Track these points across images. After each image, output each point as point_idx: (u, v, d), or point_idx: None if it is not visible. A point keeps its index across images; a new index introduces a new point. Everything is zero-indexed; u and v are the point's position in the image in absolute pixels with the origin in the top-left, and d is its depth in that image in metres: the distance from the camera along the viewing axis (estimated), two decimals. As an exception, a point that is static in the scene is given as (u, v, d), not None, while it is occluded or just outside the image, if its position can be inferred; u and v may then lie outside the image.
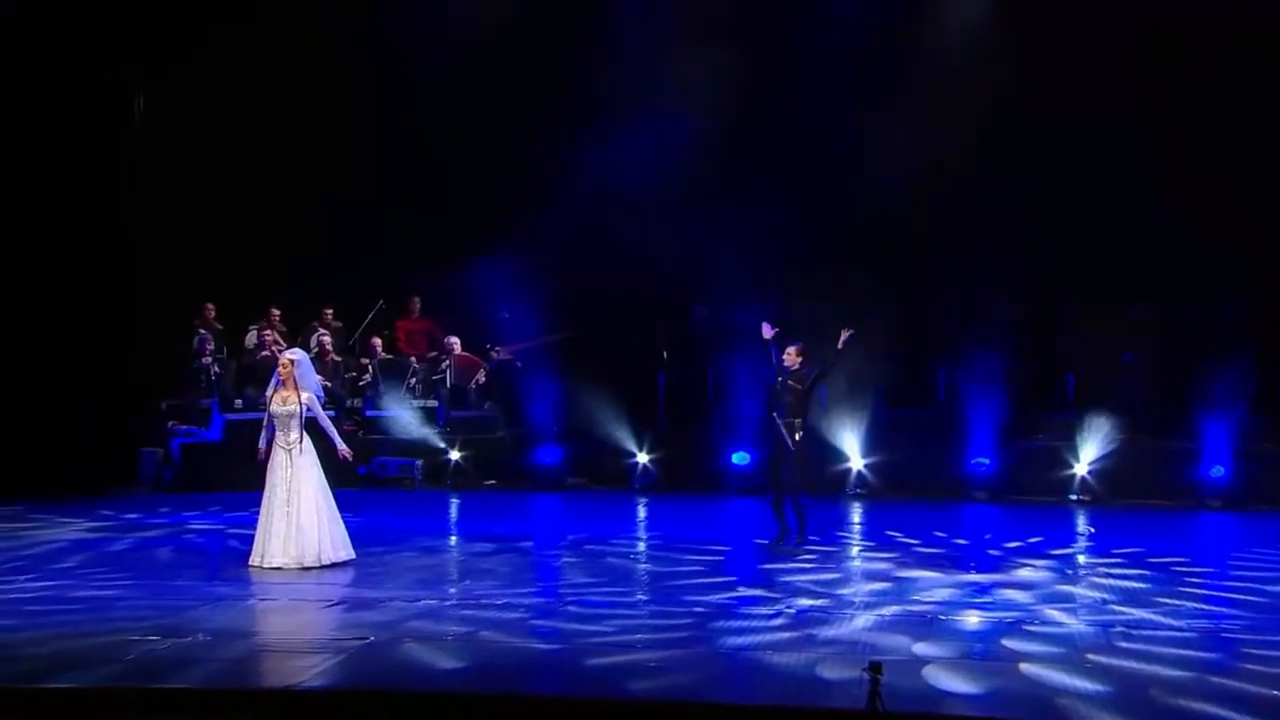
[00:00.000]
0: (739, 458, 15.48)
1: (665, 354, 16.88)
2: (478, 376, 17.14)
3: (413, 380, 17.20)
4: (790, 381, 10.93)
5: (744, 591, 9.45)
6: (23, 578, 9.77)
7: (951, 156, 15.15)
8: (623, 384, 16.06)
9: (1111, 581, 9.87)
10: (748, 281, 15.59)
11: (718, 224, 15.86)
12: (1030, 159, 15.37)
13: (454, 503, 15.04)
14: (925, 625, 8.38)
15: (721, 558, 11.04)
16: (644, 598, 9.26)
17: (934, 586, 9.62)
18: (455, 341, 17.25)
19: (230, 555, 10.95)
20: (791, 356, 11.01)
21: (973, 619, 8.62)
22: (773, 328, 11.16)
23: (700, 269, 15.88)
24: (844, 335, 10.88)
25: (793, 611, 8.74)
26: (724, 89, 15.70)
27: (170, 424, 16.11)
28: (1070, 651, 7.77)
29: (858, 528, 13.21)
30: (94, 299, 15.29)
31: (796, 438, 10.85)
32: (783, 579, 9.88)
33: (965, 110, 15.05)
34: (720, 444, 15.69)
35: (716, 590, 9.45)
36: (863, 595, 9.33)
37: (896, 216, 15.56)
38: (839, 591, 9.44)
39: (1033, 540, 11.76)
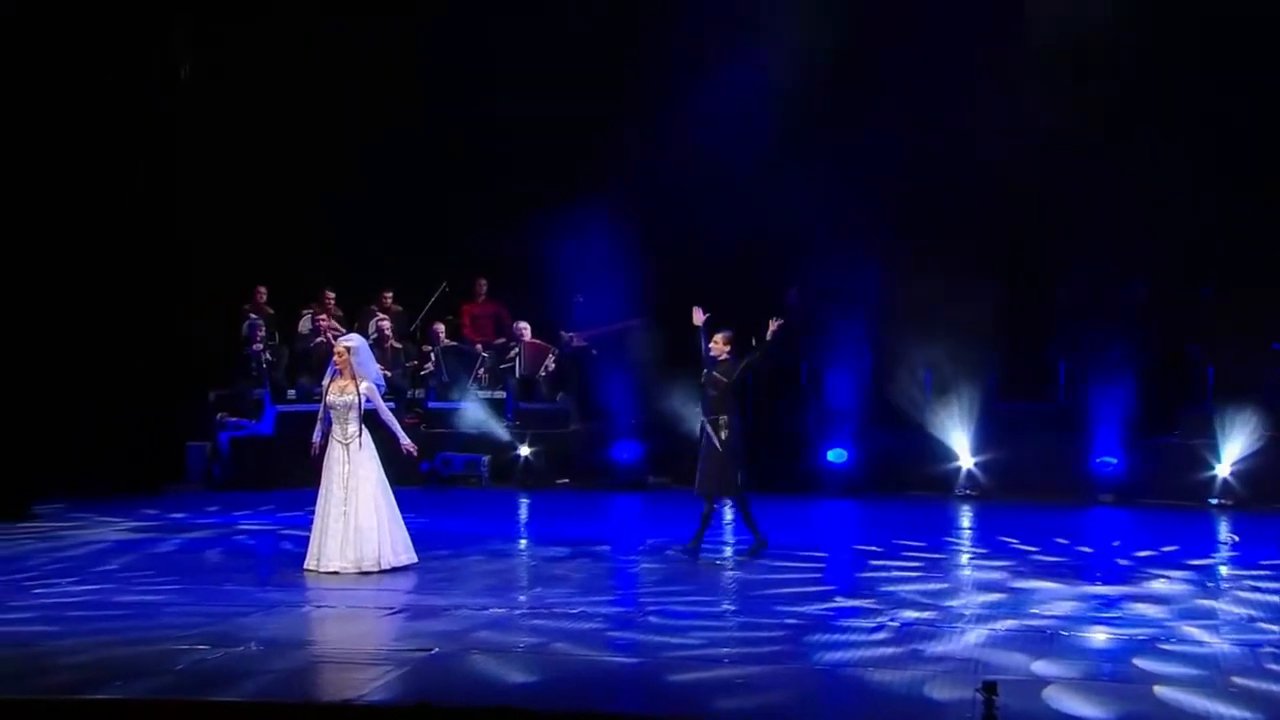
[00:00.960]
0: (836, 455, 15.41)
1: (754, 341, 16.77)
2: (547, 363, 17.21)
3: (479, 370, 17.32)
4: (715, 374, 10.60)
5: (842, 602, 9.39)
6: (64, 581, 9.98)
7: (1077, 123, 14.91)
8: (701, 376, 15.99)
9: (1258, 596, 9.65)
10: (846, 262, 15.49)
11: (814, 200, 15.78)
12: (1167, 124, 15.07)
13: (524, 503, 15.10)
14: (1045, 641, 8.26)
15: (817, 565, 11.00)
16: (731, 608, 9.23)
17: (1055, 599, 9.48)
18: (525, 327, 17.34)
19: (283, 558, 11.08)
20: (719, 346, 10.69)
21: (1099, 635, 8.48)
22: (704, 313, 10.87)
23: (795, 248, 15.80)
24: (772, 324, 10.53)
25: (897, 625, 8.66)
26: (826, 57, 15.61)
27: (219, 416, 16.37)
28: (1212, 674, 7.61)
29: (968, 533, 13.08)
30: (136, 281, 15.52)
31: (723, 436, 10.53)
32: (885, 589, 9.81)
33: (1099, 72, 14.80)
34: (815, 440, 15.64)
35: (811, 600, 9.39)
36: (974, 607, 9.22)
37: (1013, 191, 15.36)
38: (948, 603, 9.34)
39: (1167, 549, 11.55)
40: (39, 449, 14.04)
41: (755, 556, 10.75)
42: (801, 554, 11.33)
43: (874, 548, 11.70)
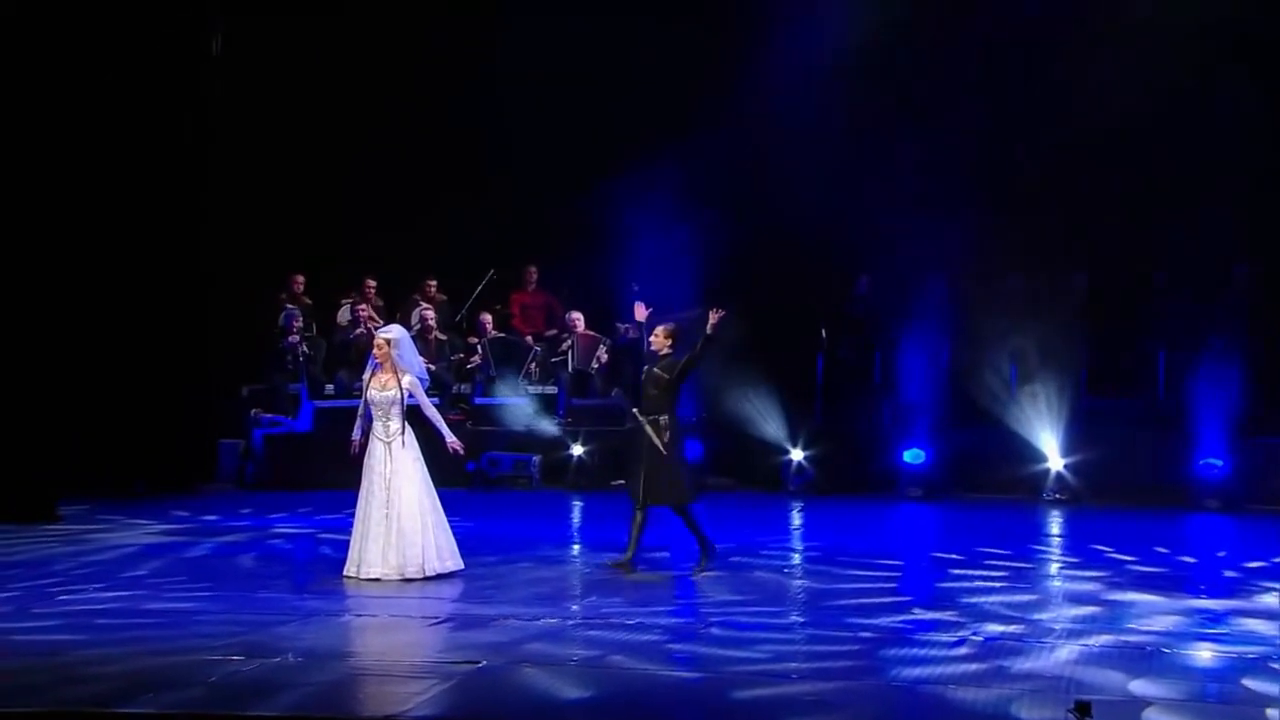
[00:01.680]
0: (913, 455, 15.33)
1: (824, 332, 16.77)
2: (599, 354, 17.22)
3: (529, 363, 17.36)
4: (656, 370, 10.38)
5: (920, 614, 9.32)
6: (91, 588, 10.07)
7: (1172, 96, 14.73)
8: (774, 368, 16.00)
9: (1378, 610, 9.48)
10: (922, 247, 15.40)
11: (888, 181, 15.70)
12: (1272, 92, 14.84)
13: (577, 505, 15.12)
14: (1144, 659, 8.15)
15: (892, 573, 10.94)
16: (800, 619, 9.19)
17: (1154, 613, 9.36)
18: (578, 318, 17.36)
19: (322, 564, 11.14)
20: (659, 340, 10.45)
21: (1204, 653, 8.36)
22: (647, 307, 10.71)
23: (867, 233, 15.72)
24: (713, 316, 10.26)
25: (980, 639, 8.58)
26: (907, 30, 15.53)
27: (253, 412, 16.50)
28: (1327, 695, 7.47)
29: (1057, 540, 12.96)
30: (165, 270, 15.65)
31: (665, 438, 10.31)
32: (966, 600, 9.73)
33: (1201, 34, 14.61)
34: (890, 439, 15.59)
35: (887, 612, 9.34)
36: (1065, 621, 9.13)
37: (1105, 169, 15.19)
38: (1036, 616, 9.25)
39: (1278, 560, 11.36)
40: (63, 446, 14.18)
41: (707, 568, 10.50)
42: (875, 562, 11.27)
43: (954, 555, 11.62)
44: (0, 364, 13.85)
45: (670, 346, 10.43)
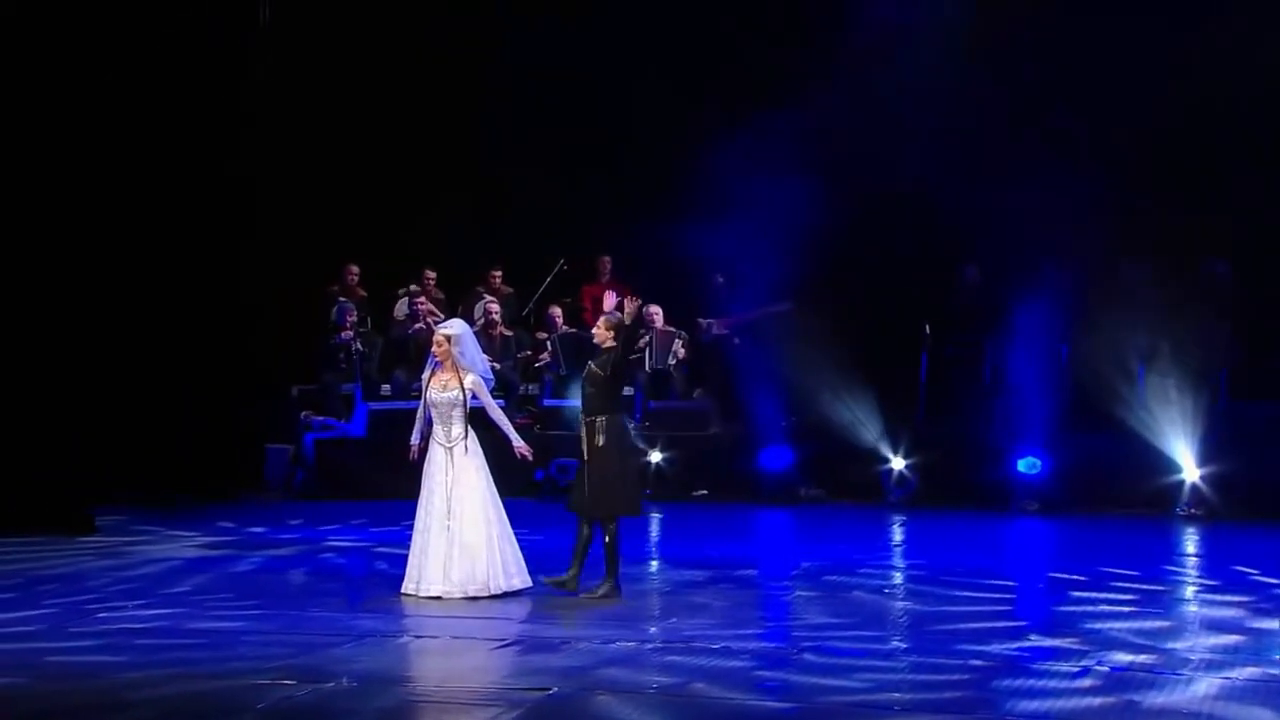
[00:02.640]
0: (1027, 464, 15.22)
1: (928, 327, 16.65)
2: (675, 349, 17.17)
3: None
4: (594, 366, 10.27)
5: (1038, 640, 9.22)
6: (131, 604, 10.18)
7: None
8: (873, 367, 15.91)
9: None
10: (1038, 231, 15.25)
11: (998, 157, 15.57)
12: None
13: (655, 517, 15.08)
14: (1292, 694, 8.00)
15: (1006, 595, 10.85)
16: (903, 645, 9.12)
17: (1303, 642, 9.20)
18: (657, 313, 17.33)
19: (378, 580, 11.19)
20: (600, 332, 10.32)
21: (1361, 687, 8.18)
22: (619, 296, 10.55)
23: (975, 217, 15.58)
24: (629, 304, 10.09)
25: (1106, 669, 8.47)
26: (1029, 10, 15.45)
27: (303, 415, 16.63)
28: None
29: (1192, 560, 12.82)
30: (206, 261, 15.79)
31: (599, 441, 10.14)
32: (1090, 625, 9.62)
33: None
34: (1002, 446, 15.47)
35: (1000, 638, 9.25)
36: (1203, 651, 8.99)
37: (1250, 141, 14.96)
38: (1170, 645, 9.12)
39: None
40: (99, 452, 14.36)
41: (607, 598, 10.24)
42: (987, 582, 11.16)
43: (1075, 576, 11.47)
44: (33, 366, 13.99)
45: (614, 340, 10.28)
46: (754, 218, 15.51)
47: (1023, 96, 15.83)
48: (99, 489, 14.17)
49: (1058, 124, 15.51)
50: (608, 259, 18.00)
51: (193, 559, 12.15)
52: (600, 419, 10.21)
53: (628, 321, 10.25)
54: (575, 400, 16.51)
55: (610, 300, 10.64)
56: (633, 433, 10.48)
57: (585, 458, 10.26)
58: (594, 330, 10.51)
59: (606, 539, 10.31)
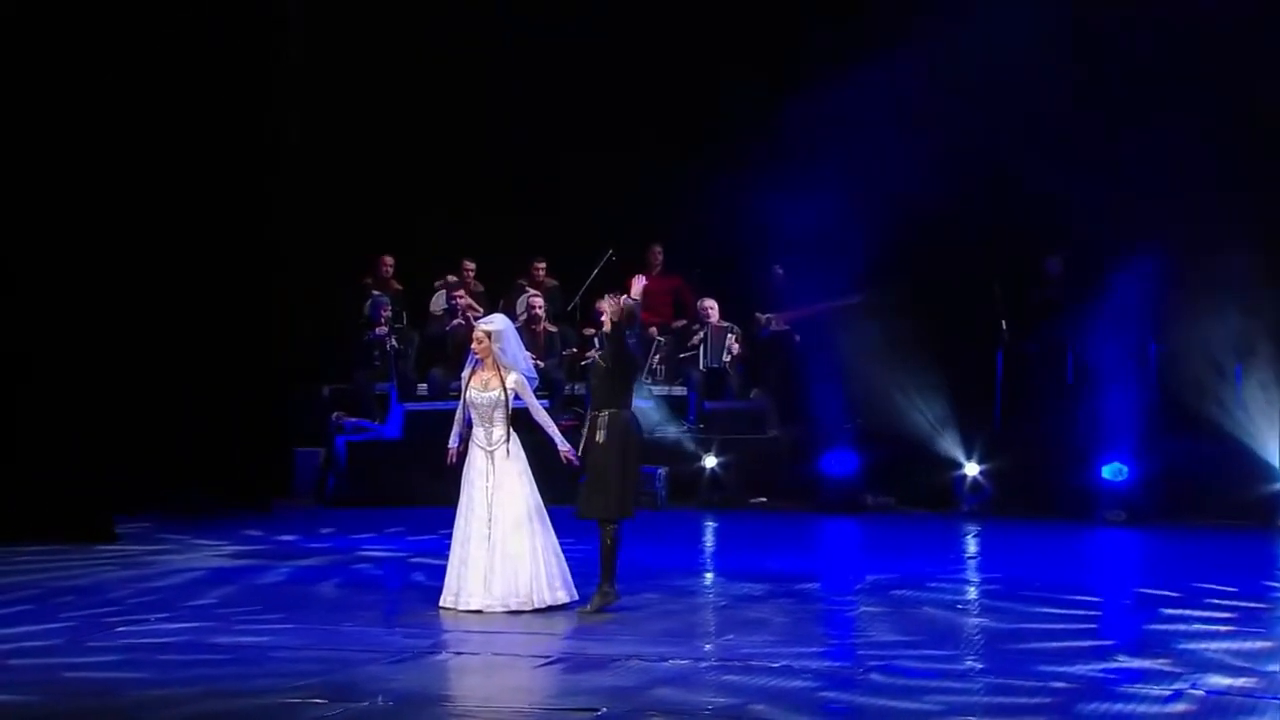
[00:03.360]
0: (1113, 471, 15.16)
1: (1005, 323, 16.57)
2: (729, 345, 17.15)
3: (654, 359, 17.36)
4: (598, 357, 10.27)
5: (1125, 661, 9.16)
6: (154, 617, 10.23)
7: None
8: (946, 365, 15.87)
9: None
10: (1125, 219, 15.14)
11: (1083, 138, 15.47)
12: None
13: (710, 526, 15.10)
14: (1407, 721, 7.92)
15: (1090, 611, 10.79)
16: (978, 665, 9.08)
17: None
18: (712, 306, 17.33)
19: (415, 593, 11.23)
20: (604, 317, 10.25)
21: None
22: (644, 280, 10.53)
23: (1058, 203, 15.51)
24: (615, 300, 10.03)
25: (1200, 693, 8.40)
26: None
27: (334, 416, 16.71)
28: None
29: (1296, 574, 12.76)
30: (235, 250, 15.78)
31: (599, 438, 10.09)
32: (1182, 645, 9.55)
33: None
34: (1085, 451, 15.41)
35: (1084, 658, 9.19)
36: (1307, 673, 8.91)
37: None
38: (1271, 668, 9.04)
39: None
40: (121, 456, 14.46)
41: (603, 608, 10.23)
42: (1069, 597, 11.10)
43: (1166, 591, 11.41)
44: (50, 367, 14.09)
45: (619, 327, 10.20)
46: (817, 205, 15.46)
47: (1119, 80, 15.72)
48: (120, 495, 14.23)
49: (1156, 107, 15.37)
50: (659, 249, 17.99)
51: (218, 569, 12.21)
52: (604, 414, 10.19)
53: (615, 320, 10.09)
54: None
55: (637, 286, 10.50)
56: (641, 432, 10.39)
57: (582, 454, 10.26)
58: (602, 318, 10.44)
59: (607, 541, 10.30)
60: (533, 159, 17.86)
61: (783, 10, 17.03)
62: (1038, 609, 10.67)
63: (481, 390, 10.48)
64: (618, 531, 10.34)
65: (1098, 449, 15.32)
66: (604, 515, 10.29)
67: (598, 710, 7.94)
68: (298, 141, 16.72)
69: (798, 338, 17.14)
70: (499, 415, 10.43)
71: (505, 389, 10.43)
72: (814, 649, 9.43)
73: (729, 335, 17.26)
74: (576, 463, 10.62)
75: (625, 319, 10.22)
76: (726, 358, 17.22)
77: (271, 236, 16.24)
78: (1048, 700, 8.23)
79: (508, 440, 10.44)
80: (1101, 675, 8.79)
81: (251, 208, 16.00)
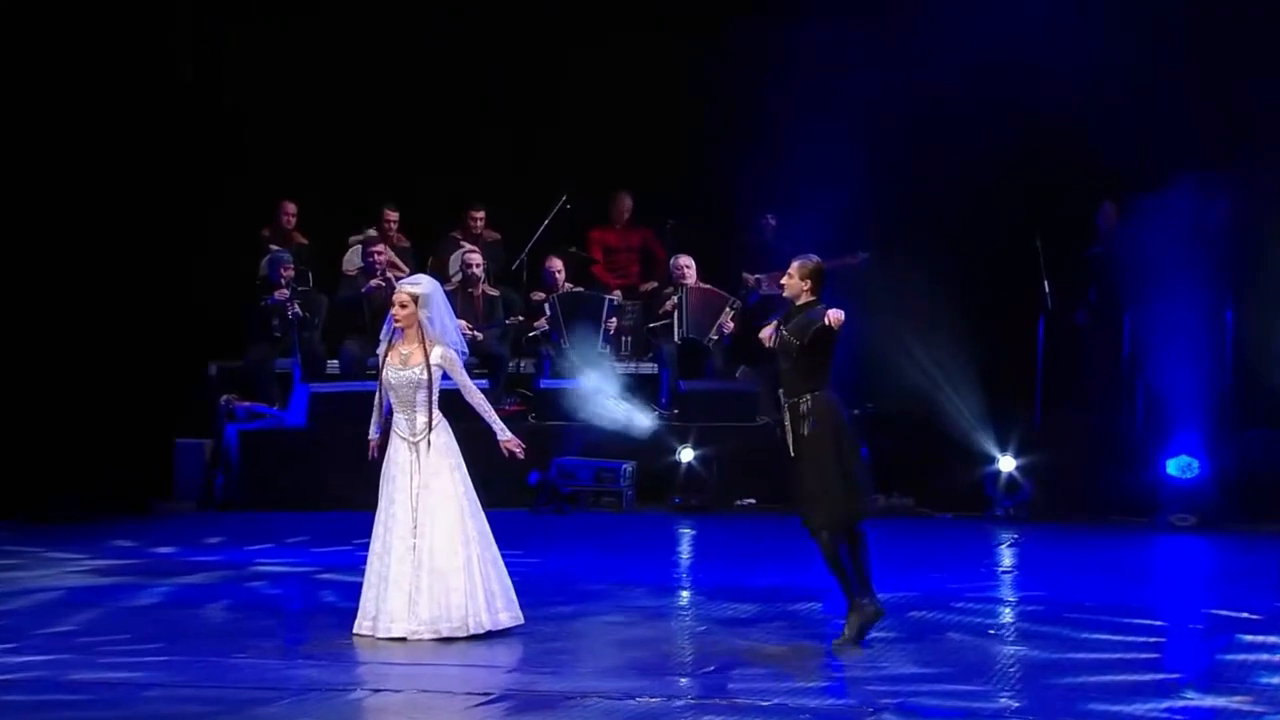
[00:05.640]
0: (1179, 467, 15.24)
1: (1047, 287, 16.58)
2: (722, 322, 17.17)
3: (610, 324, 17.28)
4: (785, 332, 10.19)
5: (1195, 699, 9.18)
6: (-2, 647, 10.24)
7: None
8: (977, 338, 15.93)
9: None
10: (1194, 156, 15.19)
11: (1142, 59, 15.49)
12: None
13: (686, 534, 15.13)
14: None
15: (1151, 636, 10.82)
16: (1014, 703, 9.09)
17: None
18: (689, 266, 17.32)
19: (323, 617, 11.21)
20: (793, 281, 10.18)
21: None
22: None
23: (1112, 136, 15.53)
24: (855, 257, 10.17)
25: (1286, 739, 8.45)
26: None
27: (224, 400, 16.65)
28: None
29: None
30: (91, 199, 15.75)
31: (805, 432, 10.11)
32: (1265, 679, 9.58)
33: None
34: (1146, 442, 15.55)
35: (1144, 694, 9.21)
36: None
37: None
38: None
39: None
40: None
41: (855, 637, 10.26)
42: (1125, 620, 11.14)
43: (1244, 613, 11.47)
44: None
45: (810, 292, 10.17)
46: (817, 139, 15.46)
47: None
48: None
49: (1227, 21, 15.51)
50: (627, 196, 17.97)
51: (80, 589, 12.13)
52: (805, 401, 10.09)
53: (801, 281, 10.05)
54: (581, 381, 16.79)
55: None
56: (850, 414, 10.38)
57: (791, 452, 10.20)
58: (784, 280, 10.34)
59: (827, 552, 10.21)
60: (469, 80, 17.78)
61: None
62: (1087, 634, 10.69)
63: (400, 368, 10.43)
64: (865, 539, 10.23)
65: (1161, 440, 15.42)
66: (832, 522, 10.16)
67: (547, 760, 7.96)
68: (190, 78, 16.72)
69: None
70: (421, 398, 10.40)
71: (429, 366, 10.39)
72: (814, 684, 9.42)
73: (726, 309, 17.22)
74: (521, 456, 10.61)
75: (815, 279, 10.13)
76: (714, 335, 17.19)
77: (139, 179, 16.17)
78: (1100, 745, 8.30)
79: (433, 429, 10.39)
80: (1165, 716, 8.81)
81: (119, 149, 15.98)
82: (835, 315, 9.86)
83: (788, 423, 10.19)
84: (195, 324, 16.78)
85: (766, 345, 10.37)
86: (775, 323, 10.31)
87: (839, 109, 15.54)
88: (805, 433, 10.12)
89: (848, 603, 10.33)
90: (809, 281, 10.13)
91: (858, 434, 10.54)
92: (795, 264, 10.23)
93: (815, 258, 10.22)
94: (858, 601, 10.27)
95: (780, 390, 10.31)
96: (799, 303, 10.17)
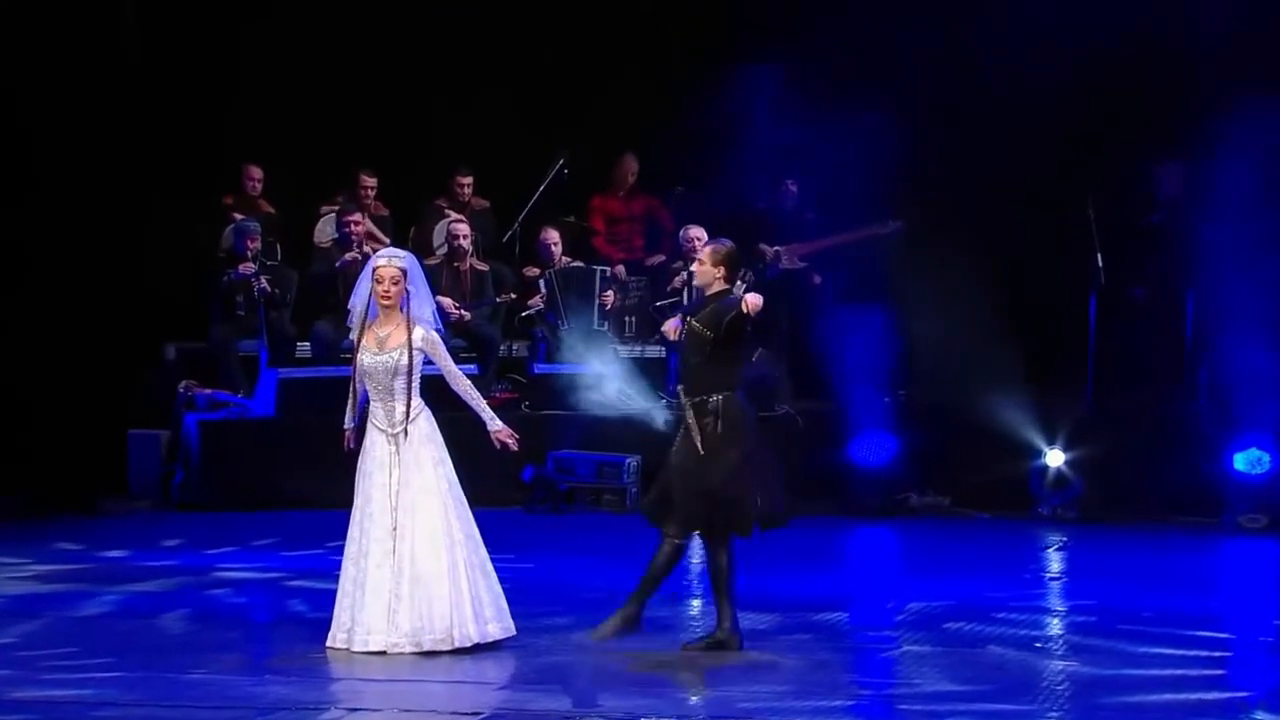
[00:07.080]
0: (1248, 461, 15.28)
1: (1101, 258, 16.58)
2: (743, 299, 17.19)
3: (605, 299, 17.29)
4: (695, 322, 10.39)
5: (1265, 719, 9.18)
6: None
7: None
8: (1020, 318, 15.91)
9: None
10: (1269, 110, 15.19)
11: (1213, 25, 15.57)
12: None
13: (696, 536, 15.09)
14: None
15: (1217, 650, 10.83)
16: (1064, 723, 9.13)
17: None
18: (699, 237, 17.27)
19: (292, 628, 11.22)
20: (704, 267, 10.44)
21: None
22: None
23: (1172, 91, 15.52)
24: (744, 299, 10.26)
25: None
26: None
27: (183, 387, 16.65)
28: None
29: None
30: (32, 153, 15.82)
31: (708, 430, 10.22)
32: (1341, 696, 9.59)
33: None
34: (1210, 435, 15.58)
35: (1209, 715, 9.26)
36: None
37: None
38: None
39: None
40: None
41: (721, 649, 10.40)
42: (1187, 632, 11.17)
43: (1319, 624, 11.52)
44: None
45: (724, 280, 10.36)
46: (843, 96, 15.46)
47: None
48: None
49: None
50: (632, 159, 17.97)
51: (22, 596, 12.16)
52: (712, 399, 10.25)
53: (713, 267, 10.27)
54: (577, 365, 16.80)
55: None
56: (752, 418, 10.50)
57: (682, 456, 10.31)
58: (694, 267, 10.55)
59: (717, 563, 10.43)
60: (457, 37, 17.79)
61: None
62: (1144, 648, 10.72)
63: (377, 352, 10.43)
64: (733, 555, 10.43)
65: (1227, 431, 15.44)
66: (726, 529, 10.39)
67: (542, 787, 8.00)
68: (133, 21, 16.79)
69: (818, 278, 17.16)
70: (400, 385, 10.40)
71: (410, 349, 10.39)
72: (839, 702, 9.43)
73: (738, 283, 17.19)
74: (513, 446, 10.63)
75: (729, 266, 10.32)
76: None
77: (100, 146, 16.23)
78: (1158, 771, 8.34)
79: (413, 419, 10.39)
80: (1231, 738, 8.84)
81: (70, 111, 16.05)
82: (754, 300, 10.13)
83: (691, 419, 10.29)
84: (149, 302, 16.81)
85: (671, 339, 10.52)
86: (681, 314, 10.56)
87: (870, 61, 15.54)
88: (707, 432, 10.23)
89: (721, 614, 10.46)
90: (722, 268, 10.37)
91: (764, 439, 10.61)
92: (707, 249, 10.51)
93: (728, 242, 10.46)
94: (639, 608, 10.47)
95: (680, 387, 10.47)
96: (710, 292, 10.41)
